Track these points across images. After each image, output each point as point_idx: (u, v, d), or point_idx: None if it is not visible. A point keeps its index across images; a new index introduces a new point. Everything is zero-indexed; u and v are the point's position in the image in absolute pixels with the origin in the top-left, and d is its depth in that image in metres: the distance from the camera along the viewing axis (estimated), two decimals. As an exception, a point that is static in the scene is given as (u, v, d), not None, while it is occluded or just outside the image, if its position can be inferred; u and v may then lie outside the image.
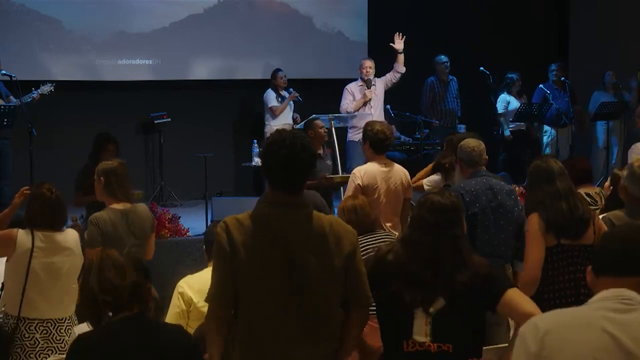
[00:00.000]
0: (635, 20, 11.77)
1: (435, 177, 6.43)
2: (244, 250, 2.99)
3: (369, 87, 9.40)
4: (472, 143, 5.22)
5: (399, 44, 9.54)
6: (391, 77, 9.57)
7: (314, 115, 9.00)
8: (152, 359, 2.83)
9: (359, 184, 5.88)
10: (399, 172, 6.09)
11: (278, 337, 3.02)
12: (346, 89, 9.48)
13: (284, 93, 10.17)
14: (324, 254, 3.05)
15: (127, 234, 5.04)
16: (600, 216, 4.90)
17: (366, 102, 9.34)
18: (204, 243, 4.54)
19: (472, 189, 4.95)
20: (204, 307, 3.82)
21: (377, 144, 6.00)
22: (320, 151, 7.87)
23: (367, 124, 6.23)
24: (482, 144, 5.26)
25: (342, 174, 8.10)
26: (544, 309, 4.03)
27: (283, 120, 10.09)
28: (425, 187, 6.44)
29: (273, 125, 10.02)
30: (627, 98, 11.20)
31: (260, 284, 3.01)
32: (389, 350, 3.38)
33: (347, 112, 9.25)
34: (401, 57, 9.53)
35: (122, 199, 5.11)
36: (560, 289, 4.11)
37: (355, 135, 9.06)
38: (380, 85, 9.51)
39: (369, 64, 9.45)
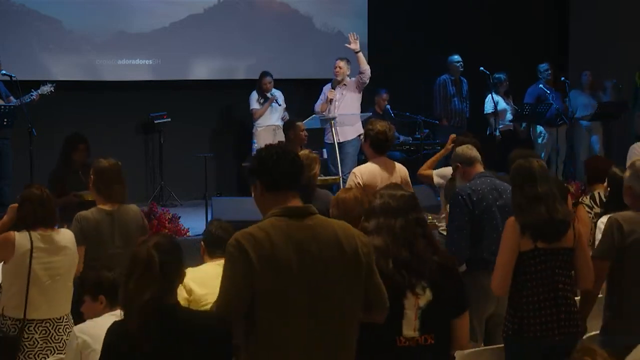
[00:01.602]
0: (635, 20, 11.77)
1: (447, 170, 6.38)
2: (260, 264, 2.95)
3: (333, 88, 9.46)
4: (463, 145, 5.41)
5: (354, 44, 9.47)
6: (358, 77, 9.52)
7: (314, 115, 9.03)
8: (186, 344, 2.92)
9: (358, 183, 5.90)
10: (399, 171, 6.13)
11: (298, 346, 3.00)
12: (323, 89, 9.59)
13: (269, 95, 10.16)
14: (342, 259, 3.05)
15: (110, 235, 5.03)
16: (606, 217, 4.88)
17: (330, 101, 9.38)
18: (202, 241, 4.55)
19: (478, 188, 4.99)
20: (203, 295, 4.02)
21: (377, 144, 6.04)
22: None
23: (370, 123, 6.23)
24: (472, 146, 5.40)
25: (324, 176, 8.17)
26: (522, 313, 4.04)
27: (268, 121, 10.12)
28: (435, 180, 6.43)
29: (258, 127, 10.12)
30: (604, 99, 11.24)
31: (280, 297, 2.98)
32: (380, 346, 3.43)
33: (315, 112, 9.38)
34: (360, 56, 9.47)
35: (110, 199, 5.08)
36: (536, 293, 4.03)
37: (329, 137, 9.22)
38: (351, 86, 9.51)
39: (338, 63, 9.50)
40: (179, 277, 3.12)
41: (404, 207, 3.54)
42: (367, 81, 9.48)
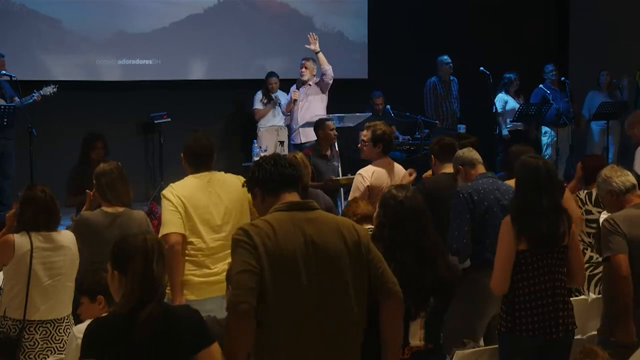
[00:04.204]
0: (635, 20, 11.77)
1: None
2: (266, 254, 2.97)
3: (297, 88, 9.49)
4: (463, 149, 5.41)
5: (313, 44, 9.49)
6: (320, 79, 9.52)
7: (318, 116, 9.01)
8: (166, 339, 2.92)
9: (367, 186, 5.94)
10: (401, 172, 6.16)
11: (301, 343, 3.01)
12: (290, 89, 9.69)
13: (274, 96, 10.16)
14: (346, 251, 3.07)
15: (112, 238, 4.98)
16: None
17: (294, 102, 9.42)
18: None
19: (479, 187, 4.98)
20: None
21: (388, 145, 6.09)
22: (328, 152, 7.89)
23: (374, 127, 6.13)
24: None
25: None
26: (518, 312, 4.03)
27: (271, 122, 10.18)
28: None
29: (261, 127, 10.15)
30: (623, 98, 11.23)
31: (286, 288, 2.98)
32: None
33: (282, 112, 9.60)
34: (321, 56, 9.47)
35: (115, 203, 5.03)
36: (533, 292, 4.03)
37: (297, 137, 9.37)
38: (314, 87, 9.51)
39: (305, 63, 9.54)
40: None
41: (422, 222, 3.69)
42: (330, 82, 9.48)
